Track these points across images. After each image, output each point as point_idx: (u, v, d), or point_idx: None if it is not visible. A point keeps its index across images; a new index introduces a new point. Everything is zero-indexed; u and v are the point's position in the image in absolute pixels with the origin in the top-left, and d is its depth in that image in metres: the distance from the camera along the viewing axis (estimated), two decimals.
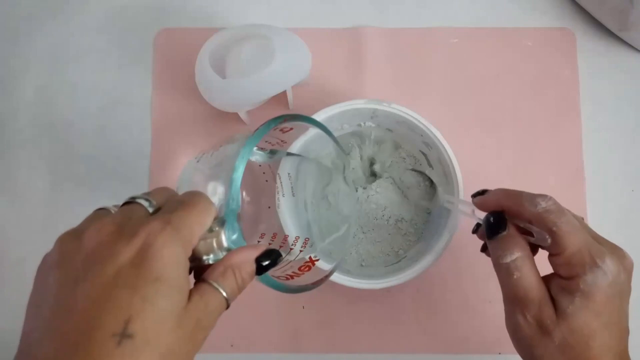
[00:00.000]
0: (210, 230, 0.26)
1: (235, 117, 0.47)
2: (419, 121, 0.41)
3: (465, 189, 0.41)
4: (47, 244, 0.24)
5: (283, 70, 0.42)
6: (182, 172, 0.39)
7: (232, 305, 0.27)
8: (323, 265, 0.35)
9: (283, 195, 0.39)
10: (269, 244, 0.38)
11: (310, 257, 0.35)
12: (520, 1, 0.51)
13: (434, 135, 0.41)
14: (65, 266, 0.23)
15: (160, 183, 0.47)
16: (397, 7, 0.51)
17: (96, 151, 0.48)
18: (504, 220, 0.31)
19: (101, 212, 0.26)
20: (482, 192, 0.33)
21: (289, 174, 0.38)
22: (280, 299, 0.46)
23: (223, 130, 0.48)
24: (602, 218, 0.47)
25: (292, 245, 0.37)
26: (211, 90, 0.44)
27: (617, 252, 0.30)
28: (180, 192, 0.31)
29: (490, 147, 0.48)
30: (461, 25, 0.51)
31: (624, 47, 0.50)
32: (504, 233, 0.31)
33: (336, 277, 0.40)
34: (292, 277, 0.33)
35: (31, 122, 0.49)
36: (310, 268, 0.34)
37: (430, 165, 0.44)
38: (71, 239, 0.24)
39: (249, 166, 0.38)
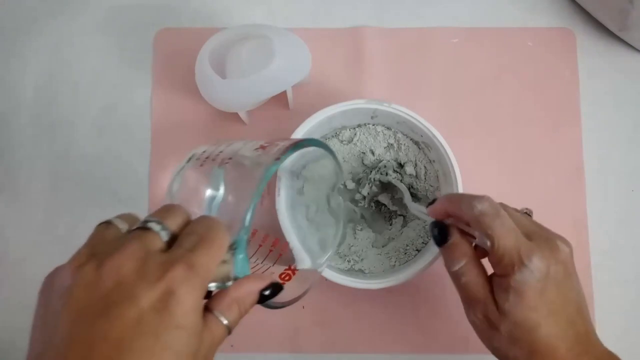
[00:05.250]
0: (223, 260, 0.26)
1: (235, 117, 0.47)
2: (418, 121, 0.41)
3: (465, 189, 0.41)
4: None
5: (283, 70, 0.42)
6: (175, 178, 0.38)
7: None
8: (305, 274, 0.35)
9: (279, 195, 0.39)
10: (259, 245, 0.37)
11: (290, 266, 0.35)
12: (520, 1, 0.51)
13: (434, 135, 0.41)
14: (81, 298, 0.22)
15: (160, 183, 0.47)
16: (397, 7, 0.51)
17: (96, 151, 0.48)
18: (445, 230, 0.34)
19: (109, 231, 0.25)
20: (433, 202, 0.35)
21: (292, 171, 0.38)
22: None
23: (223, 130, 0.48)
24: (602, 218, 0.47)
25: (280, 248, 0.37)
26: (211, 90, 0.44)
27: (549, 245, 0.31)
28: (175, 197, 0.31)
29: (490, 147, 0.48)
30: (461, 25, 0.51)
31: (624, 47, 0.50)
32: (449, 242, 0.33)
33: (336, 277, 0.40)
34: None
35: (31, 122, 0.49)
36: (290, 277, 0.34)
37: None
38: (89, 269, 0.23)
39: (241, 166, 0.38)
